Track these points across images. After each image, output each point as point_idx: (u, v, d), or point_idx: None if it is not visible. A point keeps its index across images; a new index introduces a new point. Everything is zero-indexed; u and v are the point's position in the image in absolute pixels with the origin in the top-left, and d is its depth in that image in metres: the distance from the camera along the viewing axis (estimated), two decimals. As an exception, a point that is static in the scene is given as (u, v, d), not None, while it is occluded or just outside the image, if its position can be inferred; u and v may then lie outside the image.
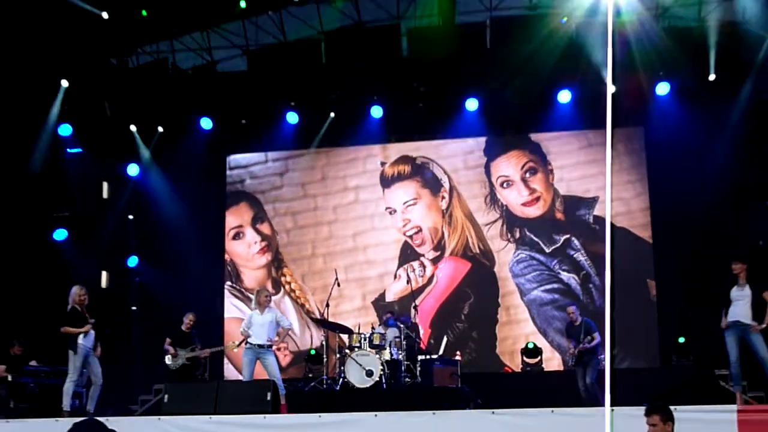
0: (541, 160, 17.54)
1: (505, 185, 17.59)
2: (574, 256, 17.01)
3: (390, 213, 17.95)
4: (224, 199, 18.66)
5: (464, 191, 17.79)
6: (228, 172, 18.81)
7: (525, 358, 16.22)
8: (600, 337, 13.96)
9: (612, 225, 16.54)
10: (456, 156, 17.98)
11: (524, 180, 17.53)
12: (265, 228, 18.49)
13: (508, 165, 17.66)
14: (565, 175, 17.40)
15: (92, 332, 12.48)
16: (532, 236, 17.28)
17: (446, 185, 17.84)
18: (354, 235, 18.04)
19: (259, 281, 18.11)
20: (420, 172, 17.96)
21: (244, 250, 18.42)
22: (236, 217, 18.57)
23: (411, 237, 17.75)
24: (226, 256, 18.40)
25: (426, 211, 17.82)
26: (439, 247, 17.60)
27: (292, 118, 17.98)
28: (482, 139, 17.82)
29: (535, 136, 17.66)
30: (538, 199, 17.40)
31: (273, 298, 14.10)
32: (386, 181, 18.08)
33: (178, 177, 17.96)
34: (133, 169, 18.19)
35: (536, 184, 17.49)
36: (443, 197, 17.80)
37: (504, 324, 17.11)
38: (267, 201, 18.59)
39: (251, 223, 18.51)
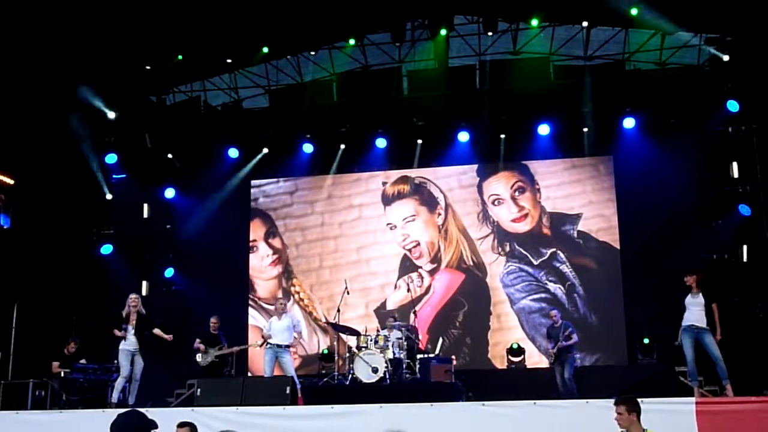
0: (529, 181, 17.41)
1: (496, 203, 17.46)
2: (560, 267, 16.86)
3: (390, 228, 17.79)
4: (248, 218, 18.60)
5: (458, 209, 17.65)
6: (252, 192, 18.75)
7: (510, 357, 16.14)
8: (577, 338, 14.01)
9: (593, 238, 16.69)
10: (450, 177, 17.83)
11: (513, 198, 17.40)
12: (276, 242, 18.37)
13: (498, 185, 17.53)
14: (551, 194, 17.25)
15: (132, 336, 12.54)
16: (521, 249, 17.12)
17: (442, 203, 17.72)
18: (358, 249, 17.92)
19: (271, 291, 18.03)
20: (418, 191, 17.81)
21: (258, 263, 18.29)
22: (251, 232, 18.50)
23: (410, 250, 17.61)
24: (245, 267, 18.42)
25: (424, 227, 17.68)
26: (436, 259, 17.47)
27: (308, 148, 18.00)
28: (474, 166, 17.77)
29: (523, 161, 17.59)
30: (526, 215, 17.26)
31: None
32: (387, 199, 17.94)
33: (208, 199, 17.95)
34: (170, 192, 18.15)
35: (524, 202, 17.35)
36: (439, 214, 17.66)
37: (495, 330, 16.95)
38: (278, 217, 18.46)
39: (264, 238, 18.41)
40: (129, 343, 12.53)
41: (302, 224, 18.41)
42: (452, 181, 17.86)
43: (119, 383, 12.40)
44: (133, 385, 12.44)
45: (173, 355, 14.71)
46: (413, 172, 18.02)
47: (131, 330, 12.55)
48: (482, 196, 17.58)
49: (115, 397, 12.38)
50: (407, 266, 17.60)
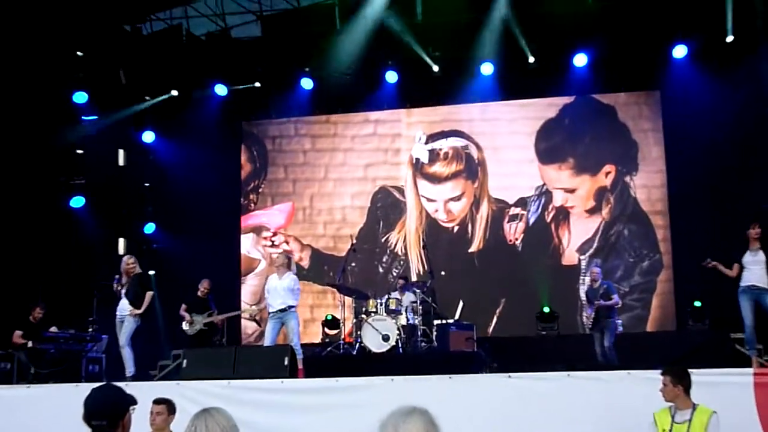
0: (563, 120, 17.69)
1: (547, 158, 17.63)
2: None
3: (428, 201, 18.09)
4: (239, 165, 18.78)
5: (496, 165, 17.90)
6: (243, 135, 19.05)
7: (541, 322, 16.30)
8: (618, 299, 14.05)
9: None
10: (486, 120, 18.08)
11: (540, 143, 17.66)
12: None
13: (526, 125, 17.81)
14: (590, 134, 17.59)
15: (122, 299, 12.70)
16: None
17: (478, 162, 17.98)
18: (369, 204, 18.31)
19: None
20: (468, 161, 17.99)
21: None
22: (243, 180, 18.95)
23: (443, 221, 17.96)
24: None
25: (467, 202, 17.95)
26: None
27: (307, 83, 17.92)
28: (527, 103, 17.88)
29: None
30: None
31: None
32: (434, 178, 18.13)
33: (194, 143, 17.98)
34: (148, 136, 18.19)
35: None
36: (477, 179, 17.94)
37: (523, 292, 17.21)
38: (273, 164, 18.99)
39: (257, 187, 18.93)
40: (119, 308, 12.71)
41: (303, 173, 18.72)
42: (487, 126, 18.06)
43: (122, 354, 12.55)
44: (123, 354, 12.56)
45: (156, 322, 14.84)
46: (437, 115, 18.20)
47: (123, 294, 12.72)
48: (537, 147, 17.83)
49: (128, 370, 12.48)
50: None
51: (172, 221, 18.04)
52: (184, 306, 14.04)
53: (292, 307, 12.77)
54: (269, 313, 12.86)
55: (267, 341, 12.74)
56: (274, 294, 12.81)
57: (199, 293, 14.15)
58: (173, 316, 14.12)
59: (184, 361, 11.64)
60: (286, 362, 11.14)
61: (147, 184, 18.35)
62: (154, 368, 15.53)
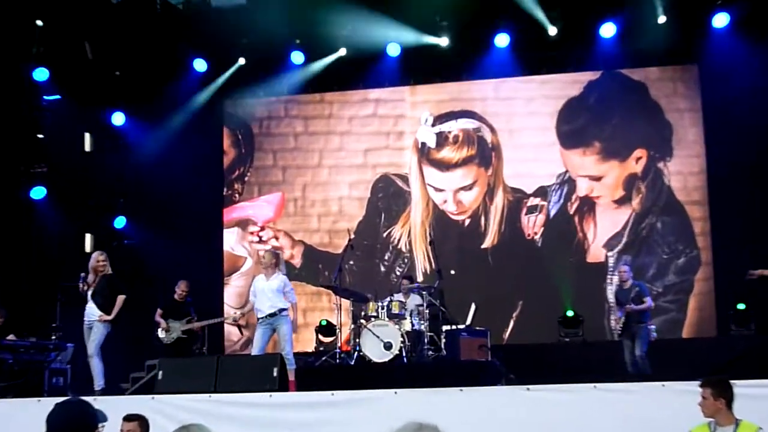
0: (588, 98, 17.74)
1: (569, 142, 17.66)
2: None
3: (435, 191, 18.11)
4: (221, 149, 18.87)
5: (512, 150, 17.93)
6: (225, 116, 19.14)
7: (564, 328, 16.34)
8: (651, 302, 14.04)
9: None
10: (502, 99, 18.12)
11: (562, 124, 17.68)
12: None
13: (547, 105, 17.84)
14: (619, 114, 17.60)
15: (90, 303, 12.74)
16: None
17: (492, 146, 18.01)
18: (368, 194, 18.37)
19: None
20: (481, 146, 17.99)
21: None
22: (226, 167, 19.01)
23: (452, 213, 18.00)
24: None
25: (479, 192, 17.97)
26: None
27: (298, 57, 17.94)
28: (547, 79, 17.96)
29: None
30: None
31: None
32: (442, 164, 18.12)
33: (170, 126, 17.98)
34: (118, 118, 18.14)
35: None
36: (491, 166, 17.97)
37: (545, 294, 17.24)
38: (260, 149, 19.05)
39: (241, 174, 18.99)
40: (86, 312, 12.76)
41: (294, 160, 18.80)
42: (502, 105, 18.13)
43: (91, 365, 12.58)
44: (91, 365, 12.59)
45: (128, 329, 14.85)
46: (445, 93, 18.27)
47: (89, 296, 12.76)
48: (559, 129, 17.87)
49: (97, 383, 12.52)
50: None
51: (146, 214, 18.05)
52: (159, 311, 14.07)
53: (284, 310, 12.84)
54: (258, 319, 12.92)
55: (255, 350, 12.78)
56: (262, 297, 12.88)
57: (176, 296, 14.17)
58: (147, 322, 14.12)
59: (160, 372, 11.73)
60: (275, 373, 11.22)
61: (117, 173, 18.29)
62: (126, 381, 15.49)
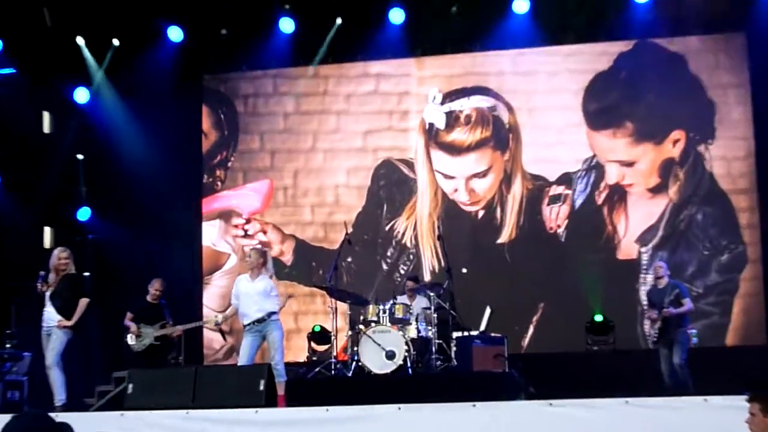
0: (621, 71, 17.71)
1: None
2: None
3: (445, 177, 18.11)
4: (199, 130, 18.90)
5: (532, 132, 17.93)
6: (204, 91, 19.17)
7: (592, 335, 16.35)
8: (691, 305, 14.02)
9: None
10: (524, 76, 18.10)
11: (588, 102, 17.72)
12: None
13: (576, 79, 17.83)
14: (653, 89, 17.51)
15: (48, 306, 12.75)
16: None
17: (510, 127, 18.03)
18: (368, 182, 18.42)
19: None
20: (497, 127, 17.96)
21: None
22: (205, 150, 19.05)
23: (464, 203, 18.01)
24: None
25: (495, 178, 17.96)
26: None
27: (287, 25, 17.95)
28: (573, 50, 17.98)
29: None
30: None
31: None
32: (452, 148, 18.10)
33: (141, 104, 17.98)
34: (81, 95, 18.15)
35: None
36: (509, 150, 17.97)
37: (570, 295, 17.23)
38: (245, 130, 19.05)
39: (223, 159, 19.01)
40: (44, 317, 12.78)
41: (284, 143, 18.82)
42: (520, 81, 18.11)
43: (51, 378, 12.59)
44: (50, 377, 12.58)
45: (93, 336, 14.87)
46: (456, 67, 18.25)
47: (48, 298, 12.76)
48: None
49: (57, 398, 12.54)
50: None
51: (114, 205, 18.07)
52: (129, 314, 14.09)
53: (273, 313, 12.90)
54: (244, 326, 12.96)
55: (242, 361, 12.86)
56: (247, 300, 12.93)
57: (148, 298, 14.21)
58: (115, 328, 14.11)
59: (130, 385, 11.72)
60: (261, 386, 11.26)
61: (80, 157, 18.28)
62: (90, 395, 15.53)
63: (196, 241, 18.61)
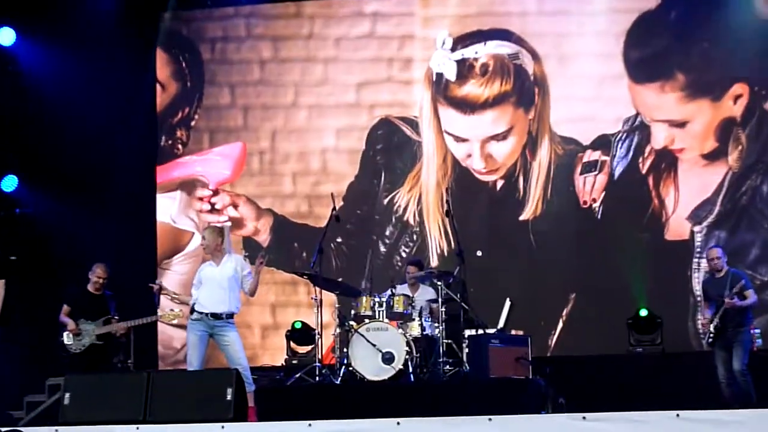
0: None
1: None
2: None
3: (455, 140, 18.06)
4: (153, 79, 18.85)
5: (563, 85, 17.86)
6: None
7: (635, 333, 16.25)
8: (756, 298, 13.91)
9: None
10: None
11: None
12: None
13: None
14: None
15: None
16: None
17: (535, 79, 17.95)
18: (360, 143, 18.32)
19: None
20: (519, 79, 17.90)
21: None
22: (159, 104, 18.99)
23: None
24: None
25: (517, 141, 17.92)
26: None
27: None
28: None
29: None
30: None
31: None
32: (465, 105, 17.98)
33: (80, 48, 17.83)
34: (6, 36, 18.01)
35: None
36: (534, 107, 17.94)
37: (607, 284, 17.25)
38: (212, 81, 18.99)
39: (184, 117, 18.96)
40: None
41: (260, 97, 18.80)
42: (548, 23, 18.07)
43: None
44: None
45: (21, 335, 14.80)
46: (469, 5, 18.24)
47: None
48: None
49: None
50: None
51: (47, 173, 17.94)
52: (65, 307, 14.11)
53: (233, 315, 13.00)
54: (192, 317, 12.99)
55: (194, 362, 12.89)
56: (211, 287, 12.99)
57: (90, 287, 14.20)
58: (49, 324, 14.01)
59: (67, 394, 11.77)
60: (229, 395, 11.41)
61: (6, 114, 18.17)
62: (19, 407, 15.60)
63: (149, 217, 18.61)
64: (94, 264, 14.43)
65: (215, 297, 12.86)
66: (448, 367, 13.29)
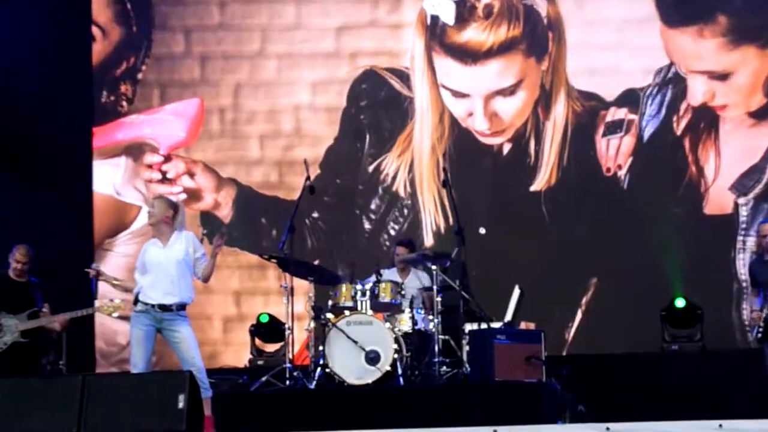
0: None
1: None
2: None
3: (454, 96, 18.09)
4: (89, 28, 18.74)
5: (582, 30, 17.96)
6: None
7: (669, 327, 16.20)
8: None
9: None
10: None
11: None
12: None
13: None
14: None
15: None
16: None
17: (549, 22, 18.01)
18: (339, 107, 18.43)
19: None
20: (530, 22, 17.93)
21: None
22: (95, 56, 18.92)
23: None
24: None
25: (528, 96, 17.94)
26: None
27: None
28: None
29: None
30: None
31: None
32: (466, 53, 18.00)
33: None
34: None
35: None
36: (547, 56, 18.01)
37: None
38: (164, 37, 18.95)
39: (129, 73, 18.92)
40: None
41: (220, 45, 18.82)
42: None
43: None
44: None
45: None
46: None
47: None
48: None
49: None
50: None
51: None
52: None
53: (184, 306, 12.69)
54: (135, 310, 12.71)
55: (138, 363, 12.66)
56: (156, 273, 12.67)
57: (10, 273, 14.02)
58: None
59: None
60: (181, 404, 11.31)
61: None
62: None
63: (86, 189, 18.55)
64: (15, 245, 14.32)
65: (162, 285, 12.56)
66: (444, 368, 13.37)
